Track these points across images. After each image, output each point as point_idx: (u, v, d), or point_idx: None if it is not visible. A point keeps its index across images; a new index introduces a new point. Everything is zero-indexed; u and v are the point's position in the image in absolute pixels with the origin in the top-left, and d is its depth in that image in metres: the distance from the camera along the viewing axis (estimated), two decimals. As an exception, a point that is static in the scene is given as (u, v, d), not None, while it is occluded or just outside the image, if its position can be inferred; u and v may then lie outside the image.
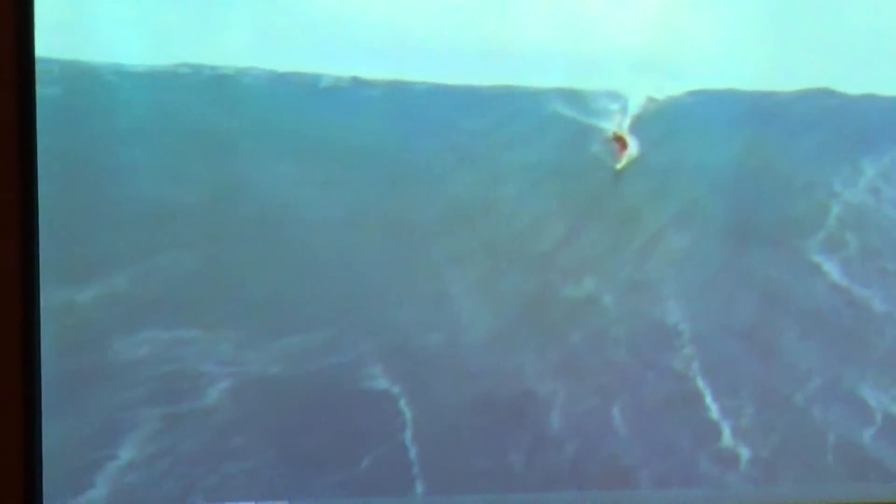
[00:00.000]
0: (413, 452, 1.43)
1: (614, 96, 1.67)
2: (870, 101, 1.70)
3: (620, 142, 1.77)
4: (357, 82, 1.53)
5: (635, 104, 1.71)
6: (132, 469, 1.49)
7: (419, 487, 1.46)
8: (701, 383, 1.58)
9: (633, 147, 1.70)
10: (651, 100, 1.69)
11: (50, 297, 1.51)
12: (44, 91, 1.60)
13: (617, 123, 1.68)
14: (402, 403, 1.43)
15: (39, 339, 1.59)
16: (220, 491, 1.48)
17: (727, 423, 1.61)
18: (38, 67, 1.64)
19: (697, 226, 1.65)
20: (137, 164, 1.52)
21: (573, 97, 1.64)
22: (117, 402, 1.48)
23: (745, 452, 1.61)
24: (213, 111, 1.53)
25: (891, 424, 1.68)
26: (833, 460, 1.68)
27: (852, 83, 1.74)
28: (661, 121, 1.67)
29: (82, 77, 1.57)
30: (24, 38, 1.77)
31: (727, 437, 1.60)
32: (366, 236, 1.49)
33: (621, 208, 1.62)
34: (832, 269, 1.69)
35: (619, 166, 1.68)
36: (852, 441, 1.68)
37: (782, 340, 1.62)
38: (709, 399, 1.58)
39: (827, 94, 1.69)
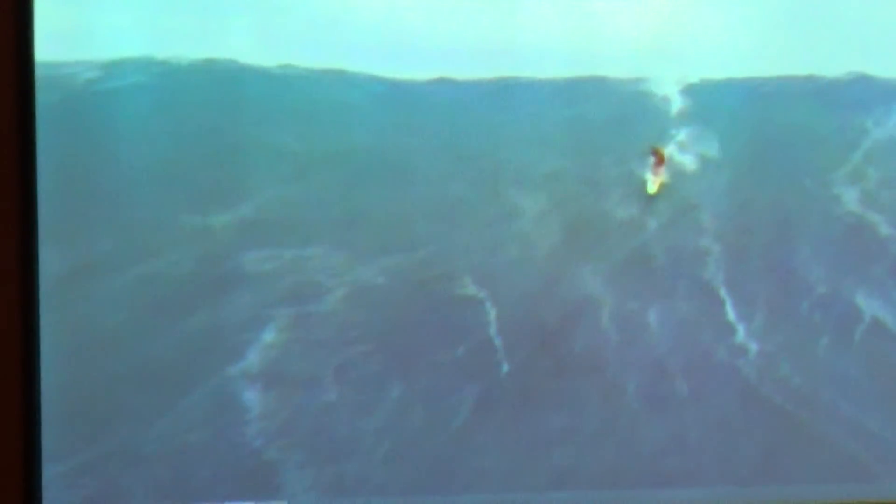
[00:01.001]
0: (497, 342, 1.67)
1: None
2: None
3: (658, 157, 1.90)
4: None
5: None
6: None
7: (504, 368, 1.67)
8: (723, 292, 1.77)
9: (667, 170, 1.87)
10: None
11: (189, 221, 1.67)
12: (43, 92, 1.76)
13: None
14: (488, 306, 1.66)
15: (39, 339, 1.77)
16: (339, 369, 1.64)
17: (742, 325, 1.79)
18: (37, 69, 1.77)
19: (733, 165, 1.81)
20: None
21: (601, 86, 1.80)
22: (255, 303, 1.66)
23: (753, 347, 1.78)
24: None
25: (876, 325, 1.82)
26: (824, 354, 1.81)
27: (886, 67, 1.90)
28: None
29: (81, 79, 1.76)
30: (23, 40, 1.85)
31: (741, 335, 1.78)
32: (454, 170, 1.68)
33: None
34: (850, 199, 1.85)
35: (652, 191, 1.87)
36: (843, 340, 1.83)
37: (795, 258, 1.80)
38: (728, 306, 1.77)
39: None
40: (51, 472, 1.74)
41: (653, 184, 1.83)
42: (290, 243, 1.67)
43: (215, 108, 1.71)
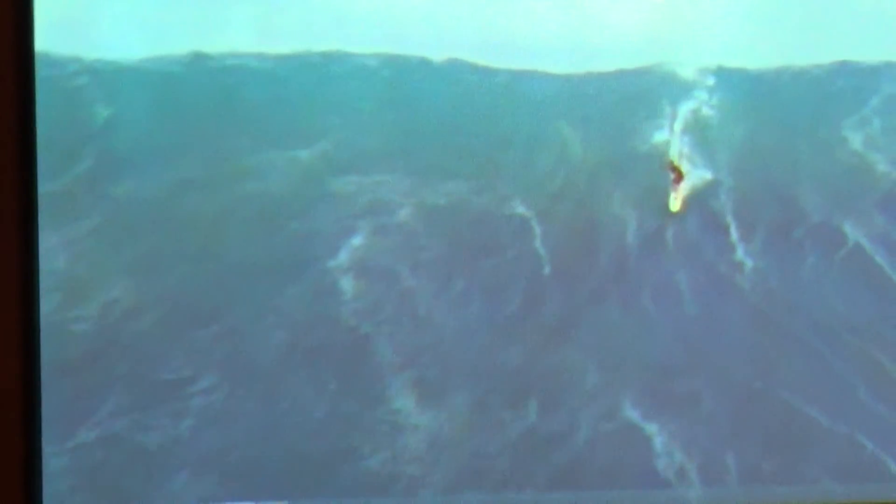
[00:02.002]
0: (541, 251, 1.86)
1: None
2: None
3: (676, 174, 2.03)
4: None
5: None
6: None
7: (546, 269, 1.86)
8: (729, 218, 1.93)
9: (687, 183, 2.00)
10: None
11: (280, 155, 1.85)
12: (44, 85, 1.89)
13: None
14: (534, 223, 1.86)
15: (39, 338, 1.88)
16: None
17: (741, 245, 1.95)
18: (37, 62, 1.88)
19: (751, 114, 1.97)
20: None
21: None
22: (342, 216, 1.86)
23: (749, 263, 1.93)
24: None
25: (857, 249, 1.97)
26: (808, 272, 1.97)
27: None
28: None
29: (83, 71, 1.90)
30: (23, 34, 1.88)
31: (739, 254, 1.95)
32: (506, 112, 1.87)
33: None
34: (855, 141, 1.99)
35: (675, 208, 2.00)
36: (825, 260, 1.98)
37: (797, 191, 1.96)
38: (732, 229, 1.93)
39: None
40: (51, 472, 1.90)
41: (675, 200, 1.98)
42: (367, 172, 1.88)
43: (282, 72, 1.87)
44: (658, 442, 1.85)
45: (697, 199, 1.94)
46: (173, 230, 1.87)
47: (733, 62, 1.98)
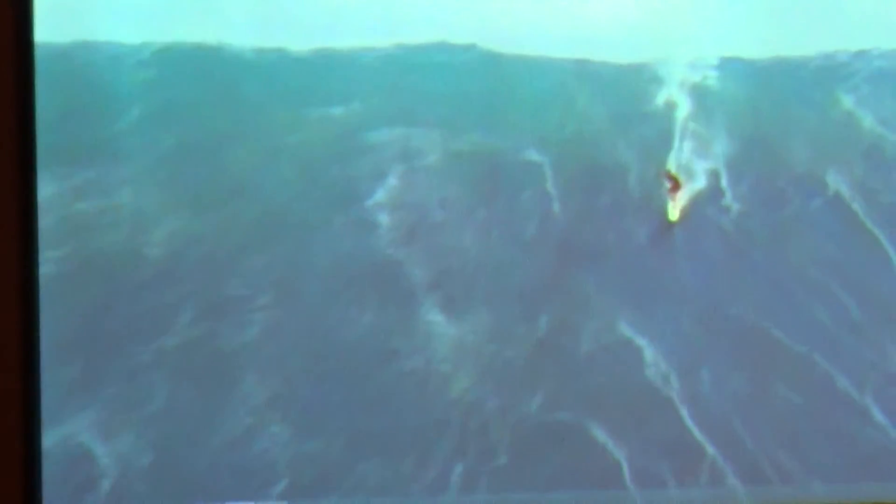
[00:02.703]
0: (553, 191, 1.99)
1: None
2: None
3: (673, 183, 2.08)
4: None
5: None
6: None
7: (556, 207, 1.99)
8: (721, 167, 2.05)
9: (685, 192, 2.07)
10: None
11: (313, 112, 1.96)
12: (44, 74, 1.97)
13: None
14: (546, 167, 2.00)
15: (39, 338, 1.93)
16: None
17: (730, 190, 2.05)
18: (36, 50, 1.95)
19: (749, 79, 2.06)
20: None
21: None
22: (377, 161, 1.97)
23: (735, 207, 2.05)
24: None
25: (836, 198, 2.07)
26: (787, 216, 2.07)
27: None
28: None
29: (81, 58, 1.98)
30: (22, 21, 1.89)
31: (728, 198, 2.06)
32: (514, 78, 2.00)
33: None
34: (847, 102, 2.08)
35: (673, 217, 2.07)
36: (804, 207, 2.07)
37: (786, 145, 2.06)
38: (723, 176, 2.05)
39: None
40: (51, 472, 1.95)
41: (673, 209, 2.07)
42: (398, 126, 2.00)
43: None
44: (648, 353, 1.99)
45: (695, 150, 2.05)
46: (223, 173, 1.98)
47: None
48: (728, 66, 2.08)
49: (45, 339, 1.92)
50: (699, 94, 2.07)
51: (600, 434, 1.98)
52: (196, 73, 1.99)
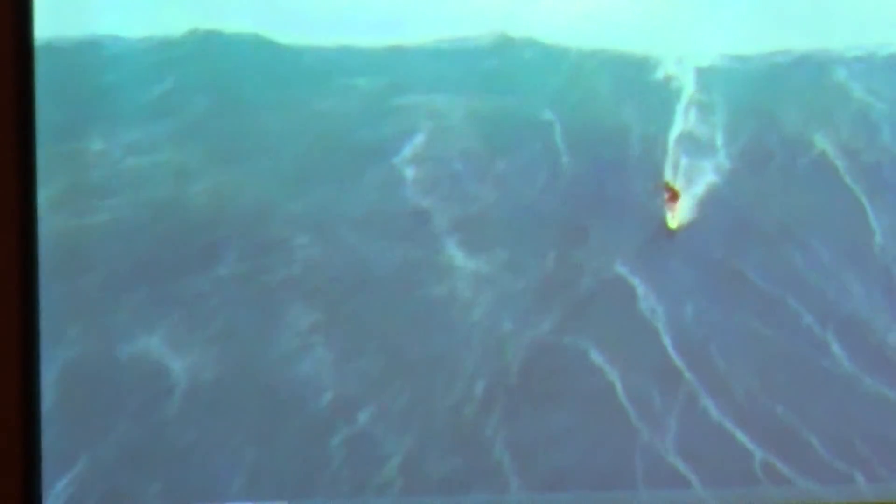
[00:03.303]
0: (561, 146, 2.11)
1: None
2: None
3: (671, 193, 2.15)
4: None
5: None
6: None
7: (564, 159, 2.10)
8: (719, 126, 2.16)
9: (684, 201, 2.15)
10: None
11: (342, 82, 2.09)
12: (43, 64, 2.03)
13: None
14: (557, 126, 2.11)
15: (39, 338, 1.97)
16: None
17: (724, 149, 2.16)
18: (36, 42, 2.02)
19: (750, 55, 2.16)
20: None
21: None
22: (404, 123, 2.10)
23: (727, 165, 2.17)
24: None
25: (821, 156, 2.18)
26: (774, 171, 2.17)
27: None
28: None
29: (81, 50, 2.05)
30: (22, 16, 1.90)
31: (721, 156, 2.16)
32: (528, 52, 2.12)
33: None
34: (840, 74, 2.18)
35: (673, 226, 2.15)
36: (791, 163, 2.18)
37: (780, 110, 2.17)
38: (719, 135, 2.16)
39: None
40: (52, 475, 2.01)
41: (672, 219, 2.15)
42: (424, 92, 2.12)
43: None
44: (640, 290, 2.12)
45: (693, 117, 2.17)
46: (258, 133, 2.07)
47: (733, 41, 2.18)
48: (730, 51, 2.19)
49: (113, 268, 2.04)
50: (702, 72, 2.18)
51: (597, 357, 2.12)
52: (231, 53, 2.09)
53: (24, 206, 1.87)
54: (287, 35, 2.10)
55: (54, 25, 2.04)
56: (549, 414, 2.09)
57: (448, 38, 2.12)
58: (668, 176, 2.16)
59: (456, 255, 2.10)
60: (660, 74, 2.16)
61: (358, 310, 2.09)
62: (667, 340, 2.13)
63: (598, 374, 2.11)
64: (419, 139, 2.12)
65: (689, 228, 2.15)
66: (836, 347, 2.14)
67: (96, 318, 2.04)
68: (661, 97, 2.17)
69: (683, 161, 2.16)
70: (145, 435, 2.02)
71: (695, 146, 2.18)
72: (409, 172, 2.12)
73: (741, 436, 2.11)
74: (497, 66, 2.13)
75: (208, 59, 2.08)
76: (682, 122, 2.17)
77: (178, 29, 2.07)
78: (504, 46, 2.13)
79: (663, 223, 2.15)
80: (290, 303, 2.08)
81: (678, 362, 2.12)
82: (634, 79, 2.17)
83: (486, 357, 2.09)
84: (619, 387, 2.12)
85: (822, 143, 2.19)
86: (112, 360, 2.03)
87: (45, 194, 2.04)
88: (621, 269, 2.14)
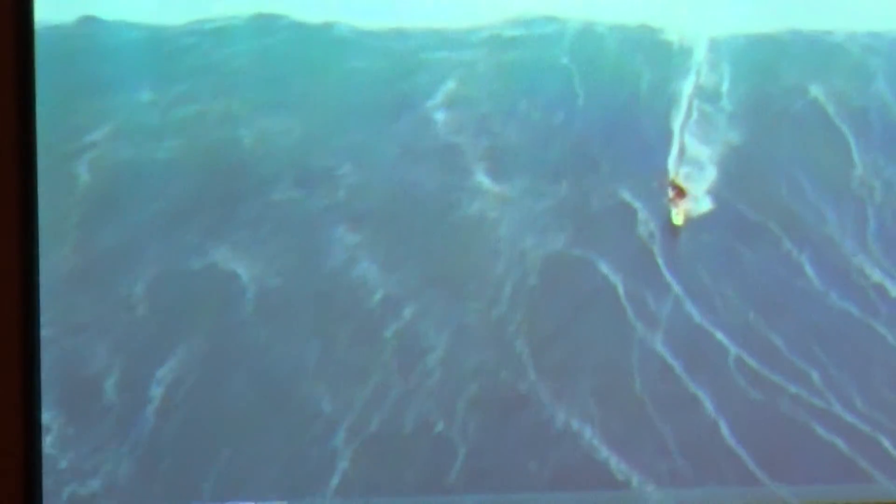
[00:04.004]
0: (579, 91, 2.32)
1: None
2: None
3: (678, 191, 2.30)
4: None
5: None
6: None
7: (580, 101, 2.30)
8: (726, 74, 2.33)
9: (690, 199, 2.32)
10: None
11: (378, 44, 2.24)
12: (43, 48, 2.13)
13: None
14: (574, 71, 2.32)
15: (39, 338, 2.00)
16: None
17: (727, 97, 2.34)
18: (37, 28, 2.10)
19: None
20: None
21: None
22: (434, 75, 2.28)
23: (728, 107, 2.34)
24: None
25: (814, 102, 2.34)
26: (772, 115, 2.35)
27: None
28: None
29: (83, 34, 2.16)
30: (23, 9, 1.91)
31: (724, 101, 2.33)
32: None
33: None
34: (839, 35, 2.34)
35: (678, 221, 2.31)
36: (786, 108, 2.36)
37: (782, 67, 2.35)
38: (725, 85, 2.33)
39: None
40: (51, 473, 2.09)
41: (677, 215, 2.32)
42: (453, 49, 2.29)
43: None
44: (640, 216, 2.30)
45: (704, 70, 2.33)
46: (298, 84, 2.23)
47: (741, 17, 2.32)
48: (742, 29, 2.36)
49: (178, 196, 2.20)
50: (713, 39, 2.35)
51: (602, 267, 2.35)
52: (268, 29, 2.25)
53: (24, 205, 1.90)
54: (319, 16, 2.28)
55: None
56: (562, 313, 2.31)
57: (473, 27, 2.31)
58: (674, 124, 2.34)
59: (483, 181, 2.29)
60: (672, 37, 2.34)
61: (398, 227, 2.29)
62: (660, 260, 2.35)
63: (602, 281, 2.33)
64: (449, 86, 2.28)
65: (688, 162, 2.35)
66: (808, 268, 2.35)
67: (171, 237, 2.22)
68: (672, 53, 2.35)
69: (688, 104, 2.36)
70: (224, 333, 2.22)
71: (701, 93, 2.35)
72: (441, 115, 2.29)
73: (719, 335, 2.33)
74: (520, 35, 2.32)
75: (251, 35, 2.25)
76: (690, 72, 2.35)
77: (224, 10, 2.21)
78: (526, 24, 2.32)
79: (664, 155, 2.35)
80: (338, 222, 2.27)
81: (668, 276, 2.34)
82: (647, 40, 2.35)
83: (510, 267, 2.30)
84: (620, 291, 2.34)
85: (816, 91, 2.36)
86: (188, 273, 2.23)
87: (101, 132, 2.19)
88: (625, 196, 2.35)
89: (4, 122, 1.84)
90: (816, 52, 2.35)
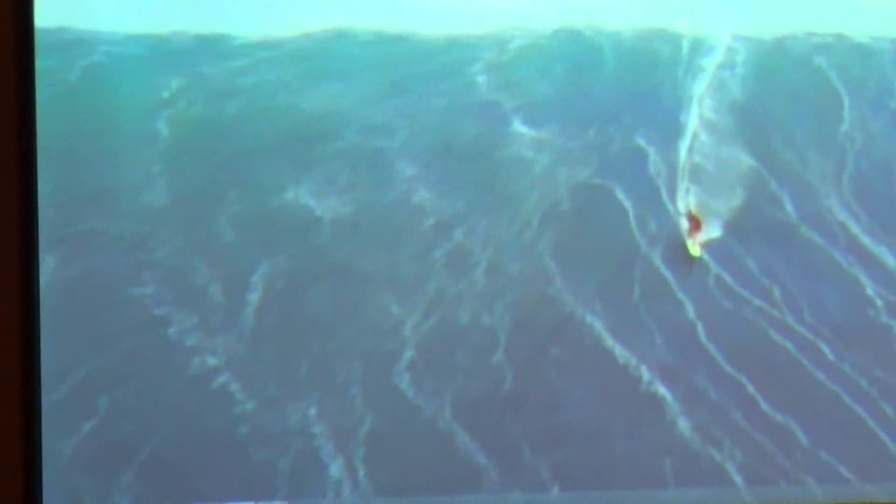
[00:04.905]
0: (610, 56, 2.65)
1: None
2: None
3: (694, 222, 2.54)
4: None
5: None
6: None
7: (609, 68, 2.67)
8: (731, 37, 2.62)
9: (706, 229, 2.57)
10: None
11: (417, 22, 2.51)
12: (43, 61, 2.24)
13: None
14: (605, 42, 2.62)
15: (39, 339, 1.99)
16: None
17: (740, 66, 2.63)
18: (37, 37, 2.20)
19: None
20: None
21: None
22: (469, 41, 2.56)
23: (741, 71, 2.64)
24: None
25: (818, 70, 2.63)
26: (777, 68, 2.66)
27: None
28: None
29: (81, 45, 2.28)
30: (23, 9, 1.85)
31: (738, 67, 2.62)
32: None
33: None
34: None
35: (695, 253, 2.56)
36: (789, 54, 2.64)
37: (792, 39, 2.66)
38: (732, 44, 2.65)
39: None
40: (51, 473, 2.15)
41: (693, 246, 2.59)
42: (488, 26, 2.56)
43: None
44: (651, 156, 2.62)
45: (719, 51, 2.63)
46: (350, 60, 2.52)
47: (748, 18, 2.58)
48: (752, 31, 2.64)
49: (251, 144, 2.45)
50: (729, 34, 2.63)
51: (618, 194, 2.69)
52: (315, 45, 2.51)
53: (25, 202, 1.83)
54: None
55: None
56: (585, 231, 2.67)
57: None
58: (680, 75, 2.64)
59: (520, 128, 2.60)
60: (686, 31, 2.67)
61: (448, 165, 2.61)
62: (664, 193, 2.70)
63: (617, 205, 2.69)
64: (489, 55, 2.60)
65: (697, 109, 2.65)
66: (788, 205, 2.68)
67: (248, 181, 2.50)
68: (686, 34, 2.66)
69: (699, 63, 2.64)
70: (304, 255, 2.55)
71: (708, 49, 2.65)
72: (482, 78, 2.60)
73: (705, 255, 2.68)
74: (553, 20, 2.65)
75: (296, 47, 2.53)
76: (705, 49, 2.66)
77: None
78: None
79: (678, 108, 2.65)
80: (397, 160, 2.60)
81: (669, 206, 2.69)
82: (664, 34, 2.70)
83: (542, 197, 2.65)
84: (631, 215, 2.68)
85: (820, 60, 2.67)
86: (268, 208, 2.51)
87: (172, 88, 2.44)
88: (640, 141, 2.68)
89: (4, 122, 1.77)
90: (818, 22, 2.64)
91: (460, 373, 2.57)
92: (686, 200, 2.61)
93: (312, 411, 2.52)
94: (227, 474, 2.43)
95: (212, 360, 2.43)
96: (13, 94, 1.76)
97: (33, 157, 1.88)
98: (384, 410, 2.53)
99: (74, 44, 2.29)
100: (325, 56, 2.52)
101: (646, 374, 2.62)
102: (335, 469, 2.50)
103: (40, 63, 2.19)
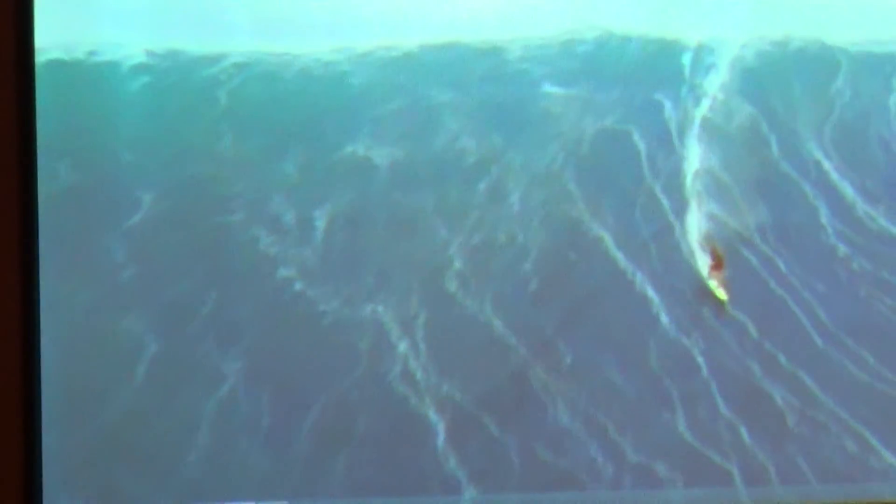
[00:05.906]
0: (633, 31, 3.05)
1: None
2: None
3: (716, 261, 2.74)
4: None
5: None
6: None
7: (634, 45, 3.02)
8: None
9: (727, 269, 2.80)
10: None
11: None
12: (45, 79, 2.39)
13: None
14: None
15: (39, 339, 1.94)
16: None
17: (751, 45, 2.97)
18: (37, 55, 2.30)
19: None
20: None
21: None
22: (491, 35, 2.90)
23: (752, 43, 2.96)
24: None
25: (824, 47, 2.93)
26: (781, 44, 2.95)
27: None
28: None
29: (81, 64, 2.48)
30: (23, 28, 1.80)
31: (746, 39, 2.95)
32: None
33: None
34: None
35: (723, 296, 2.80)
36: (775, 41, 2.95)
37: (801, 23, 2.98)
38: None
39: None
40: (51, 472, 2.16)
41: (718, 289, 2.79)
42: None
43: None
44: (666, 108, 2.96)
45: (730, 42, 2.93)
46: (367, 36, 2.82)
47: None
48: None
49: (304, 113, 2.81)
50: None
51: (635, 137, 3.01)
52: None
53: (25, 201, 1.76)
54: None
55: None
56: (607, 166, 3.02)
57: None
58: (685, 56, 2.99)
59: (550, 89, 2.95)
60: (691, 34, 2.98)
61: (487, 116, 2.98)
62: (675, 137, 3.02)
63: (633, 145, 3.04)
64: (517, 44, 2.97)
65: (701, 86, 3.00)
66: (774, 147, 3.01)
67: (308, 138, 2.85)
68: (696, 29, 2.99)
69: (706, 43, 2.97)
70: (366, 194, 2.94)
71: (720, 42, 2.98)
72: (512, 55, 2.96)
73: (698, 185, 3.02)
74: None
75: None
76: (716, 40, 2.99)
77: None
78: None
79: (688, 79, 3.00)
80: (443, 114, 2.96)
81: (679, 151, 3.03)
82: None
83: (566, 141, 2.99)
84: (643, 155, 3.03)
85: (832, 40, 2.96)
86: (332, 157, 2.86)
87: (217, 69, 2.74)
88: (658, 97, 3.02)
89: (5, 122, 1.74)
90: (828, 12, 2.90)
91: (497, 279, 2.91)
92: (707, 208, 2.91)
93: (380, 308, 2.89)
94: (317, 357, 2.83)
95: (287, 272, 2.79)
96: (13, 93, 1.79)
97: (33, 157, 1.87)
98: (437, 307, 2.90)
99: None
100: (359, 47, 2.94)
101: (638, 278, 3.01)
102: (402, 347, 2.88)
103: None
